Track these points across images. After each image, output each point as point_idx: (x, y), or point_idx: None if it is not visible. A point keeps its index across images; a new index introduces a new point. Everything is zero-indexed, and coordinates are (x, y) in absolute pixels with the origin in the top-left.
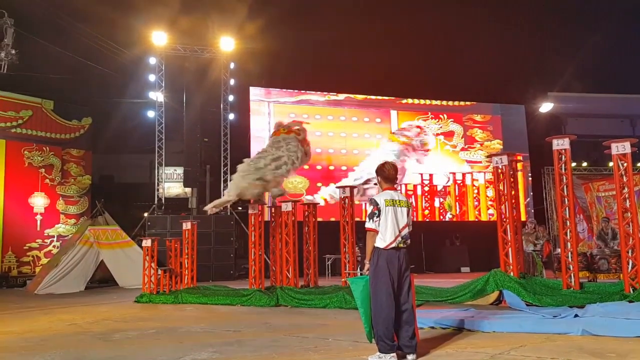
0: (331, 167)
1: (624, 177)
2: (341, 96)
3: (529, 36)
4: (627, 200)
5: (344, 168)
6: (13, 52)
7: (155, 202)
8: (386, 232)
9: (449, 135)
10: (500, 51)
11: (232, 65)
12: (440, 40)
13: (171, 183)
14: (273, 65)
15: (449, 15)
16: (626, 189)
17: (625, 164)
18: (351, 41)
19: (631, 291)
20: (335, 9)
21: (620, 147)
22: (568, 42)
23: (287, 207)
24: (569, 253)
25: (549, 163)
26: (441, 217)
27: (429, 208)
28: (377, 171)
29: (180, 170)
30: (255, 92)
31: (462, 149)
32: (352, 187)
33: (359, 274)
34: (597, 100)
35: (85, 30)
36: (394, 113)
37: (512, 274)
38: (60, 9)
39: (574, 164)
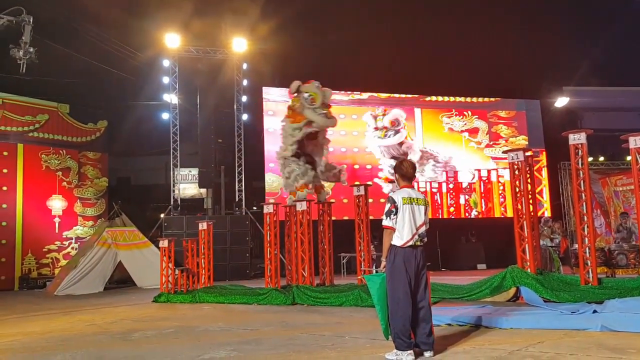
0: (356, 166)
1: None
2: (365, 95)
3: (544, 31)
4: None
5: (368, 167)
6: (31, 50)
7: (171, 203)
8: (403, 230)
9: (473, 132)
10: (516, 47)
11: (244, 66)
12: (461, 36)
13: (186, 184)
14: (287, 65)
15: (468, 13)
16: None
17: None
18: (372, 40)
19: None
20: (353, 8)
21: (638, 141)
22: (583, 36)
23: (302, 206)
24: (587, 248)
25: (565, 158)
26: (467, 214)
27: (455, 205)
28: (395, 168)
29: (195, 172)
30: (280, 93)
31: (487, 146)
32: (366, 186)
33: (374, 271)
34: (614, 94)
35: (100, 34)
36: (417, 111)
37: (529, 270)
38: (75, 13)
39: (590, 159)
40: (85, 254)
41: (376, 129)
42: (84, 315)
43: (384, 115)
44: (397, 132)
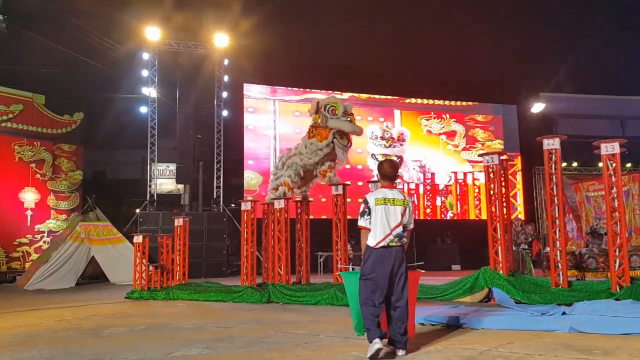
0: (347, 166)
1: (613, 177)
2: (345, 95)
3: (522, 37)
4: (616, 200)
5: (347, 167)
6: (0, 17)
7: (147, 198)
8: (376, 231)
9: (451, 135)
10: (494, 52)
11: (226, 62)
12: (442, 41)
13: (163, 179)
14: (268, 63)
15: (449, 18)
16: (615, 188)
17: (614, 164)
18: (353, 40)
19: (618, 289)
20: (335, 8)
21: (610, 148)
22: (560, 44)
23: (279, 204)
24: (558, 252)
25: (539, 163)
26: (442, 216)
27: (431, 207)
28: (377, 168)
29: (172, 167)
30: (260, 91)
31: (464, 149)
32: (344, 185)
33: (350, 269)
34: (588, 101)
35: (78, 25)
36: (397, 112)
37: (501, 271)
38: (53, 3)
39: (564, 164)
40: (57, 248)
41: (382, 138)
42: (54, 310)
43: (391, 129)
44: (401, 145)
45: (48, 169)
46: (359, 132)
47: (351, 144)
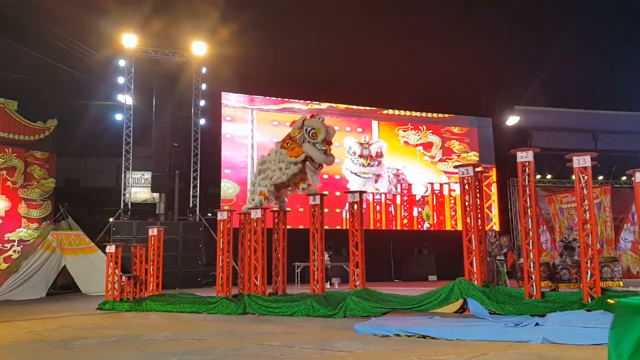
0: (325, 176)
1: (585, 190)
2: (324, 105)
3: (498, 51)
4: (587, 212)
5: (325, 177)
6: None
7: (121, 207)
8: None
9: (427, 146)
10: (470, 65)
11: (204, 70)
12: (419, 53)
13: (138, 188)
14: (246, 72)
15: (426, 31)
16: (586, 201)
17: (585, 177)
18: (332, 51)
19: (589, 300)
20: (313, 18)
21: (582, 161)
22: (535, 58)
23: (256, 214)
24: (532, 263)
25: (514, 175)
26: (419, 226)
27: (408, 217)
28: None
29: (148, 175)
30: (238, 99)
31: (440, 160)
32: (322, 195)
33: (329, 283)
34: (562, 115)
35: (53, 30)
36: (374, 123)
37: (476, 282)
38: (27, 7)
39: (538, 176)
40: (27, 258)
41: (361, 156)
42: (23, 322)
43: (369, 143)
44: (379, 163)
45: (19, 176)
46: (329, 163)
47: (322, 167)
